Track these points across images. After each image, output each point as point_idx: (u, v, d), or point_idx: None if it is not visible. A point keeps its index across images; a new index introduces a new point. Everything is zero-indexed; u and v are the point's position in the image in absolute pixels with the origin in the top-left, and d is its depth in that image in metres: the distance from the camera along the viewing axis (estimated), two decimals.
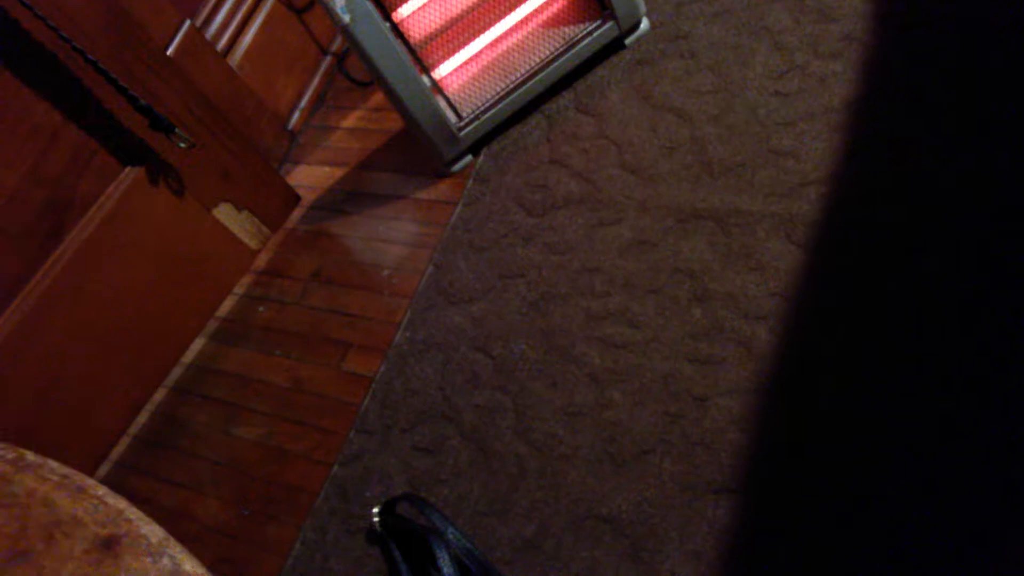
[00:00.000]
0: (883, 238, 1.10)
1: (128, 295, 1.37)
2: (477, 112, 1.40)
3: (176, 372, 1.45)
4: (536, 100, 1.46)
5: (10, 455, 0.43)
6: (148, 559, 0.38)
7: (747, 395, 1.05)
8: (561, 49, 1.39)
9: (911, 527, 0.90)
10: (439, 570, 0.98)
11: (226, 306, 1.51)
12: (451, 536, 0.99)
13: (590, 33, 1.40)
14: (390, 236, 1.45)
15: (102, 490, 0.41)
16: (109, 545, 0.38)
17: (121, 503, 0.40)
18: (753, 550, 0.95)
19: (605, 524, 1.03)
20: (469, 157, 1.47)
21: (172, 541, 0.39)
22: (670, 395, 1.09)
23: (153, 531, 0.39)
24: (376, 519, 1.11)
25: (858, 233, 1.12)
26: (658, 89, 1.39)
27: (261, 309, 1.47)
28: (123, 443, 1.39)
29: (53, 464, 0.42)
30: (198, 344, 1.47)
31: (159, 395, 1.43)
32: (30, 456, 0.42)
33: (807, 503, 0.96)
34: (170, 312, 1.44)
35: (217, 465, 1.30)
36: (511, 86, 1.40)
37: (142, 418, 1.41)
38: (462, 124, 1.40)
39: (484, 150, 1.47)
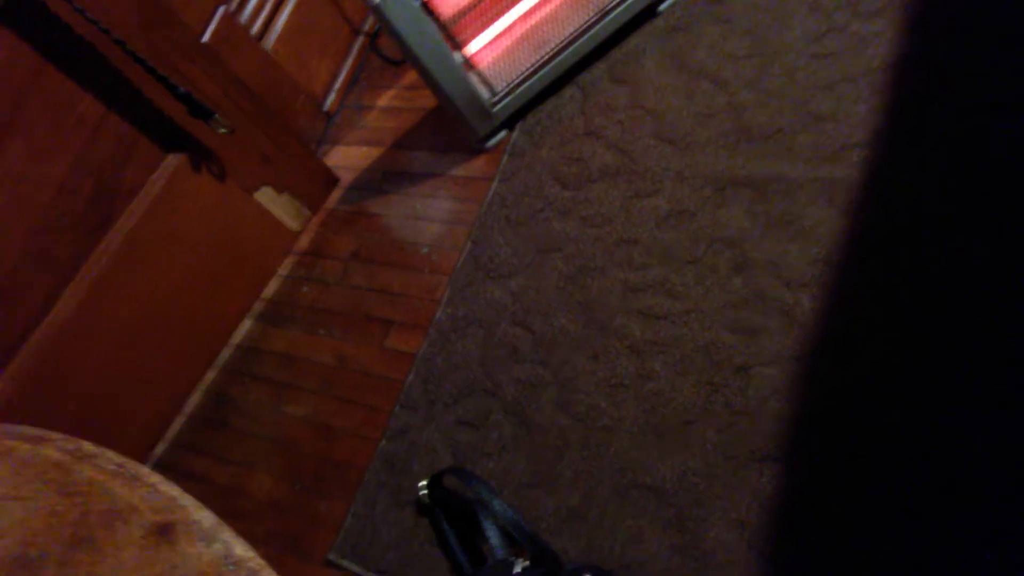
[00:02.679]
0: (928, 201, 1.07)
1: (176, 279, 1.40)
2: (510, 86, 1.39)
3: (226, 353, 1.49)
4: (569, 72, 1.45)
5: (69, 446, 0.45)
6: (202, 543, 0.39)
7: (789, 364, 1.05)
8: (593, 18, 1.38)
9: (960, 499, 0.89)
10: (486, 540, 1.00)
11: (271, 287, 1.54)
12: (497, 507, 1.01)
13: (623, 1, 1.38)
14: (428, 214, 1.46)
15: (156, 478, 0.43)
16: (164, 531, 0.40)
17: (174, 490, 0.42)
18: (797, 518, 0.95)
19: (649, 493, 1.04)
20: (504, 132, 1.47)
21: (224, 526, 0.41)
22: (712, 365, 1.09)
23: (206, 517, 0.41)
24: (424, 492, 1.13)
25: (902, 196, 1.09)
26: (693, 56, 1.36)
27: (305, 289, 1.50)
28: (178, 423, 1.44)
29: (109, 454, 0.44)
30: (246, 325, 1.51)
31: (210, 375, 1.47)
32: (87, 446, 0.45)
33: (851, 471, 0.95)
34: (217, 295, 1.48)
35: (268, 442, 1.34)
36: (543, 59, 1.39)
37: (195, 398, 1.46)
38: (495, 99, 1.39)
39: (518, 124, 1.47)
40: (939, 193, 1.07)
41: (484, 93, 1.38)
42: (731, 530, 0.97)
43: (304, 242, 1.57)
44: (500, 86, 1.39)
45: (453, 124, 1.54)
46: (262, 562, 0.38)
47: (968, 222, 1.03)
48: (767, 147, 1.22)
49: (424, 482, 1.14)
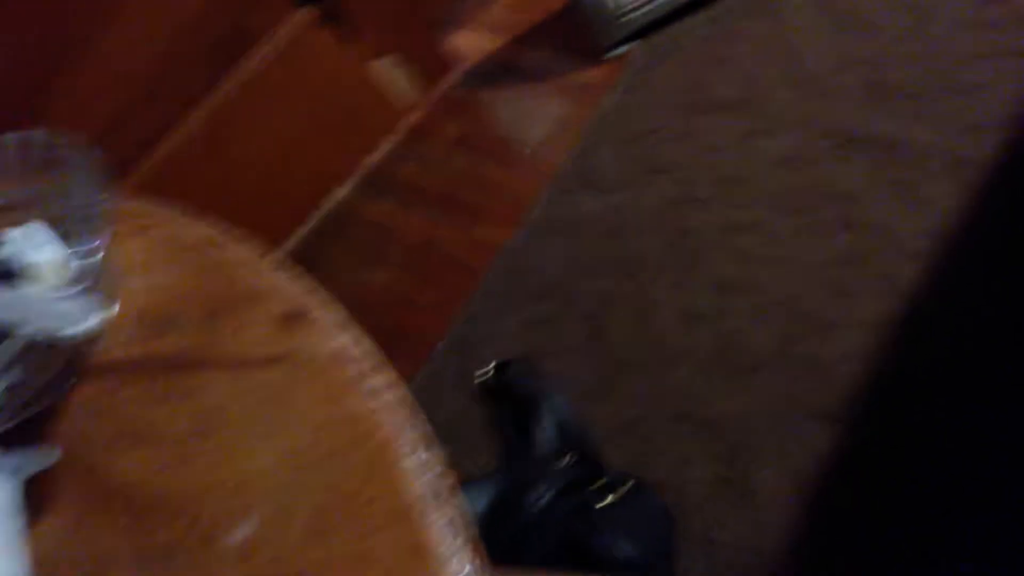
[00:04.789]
0: None
1: (286, 131, 1.43)
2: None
3: (319, 213, 1.53)
4: None
5: (216, 228, 0.48)
6: (327, 335, 0.42)
7: (877, 331, 1.02)
8: None
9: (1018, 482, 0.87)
10: (543, 430, 1.02)
11: (374, 157, 1.56)
12: (556, 402, 1.04)
13: None
14: (538, 114, 1.45)
15: (291, 271, 0.45)
16: (292, 318, 0.43)
17: (307, 284, 0.45)
18: (846, 482, 0.95)
19: (705, 425, 1.05)
20: (627, 45, 1.44)
21: (352, 323, 0.43)
22: (796, 316, 1.07)
23: (334, 312, 0.44)
24: (489, 375, 1.16)
25: None
26: None
27: (406, 166, 1.52)
28: None
29: (248, 244, 0.47)
30: (343, 190, 1.54)
31: (301, 231, 1.52)
32: (219, 236, 0.47)
33: (912, 449, 0.94)
34: (322, 155, 1.51)
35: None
36: None
37: (279, 253, 1.51)
38: (625, 9, 1.35)
39: (644, 41, 1.43)
40: None
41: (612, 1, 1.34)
42: (780, 475, 0.98)
43: (412, 119, 1.58)
44: None
45: (578, 28, 1.51)
46: (384, 360, 0.40)
47: None
48: (904, 107, 1.16)
49: (492, 365, 1.17)
